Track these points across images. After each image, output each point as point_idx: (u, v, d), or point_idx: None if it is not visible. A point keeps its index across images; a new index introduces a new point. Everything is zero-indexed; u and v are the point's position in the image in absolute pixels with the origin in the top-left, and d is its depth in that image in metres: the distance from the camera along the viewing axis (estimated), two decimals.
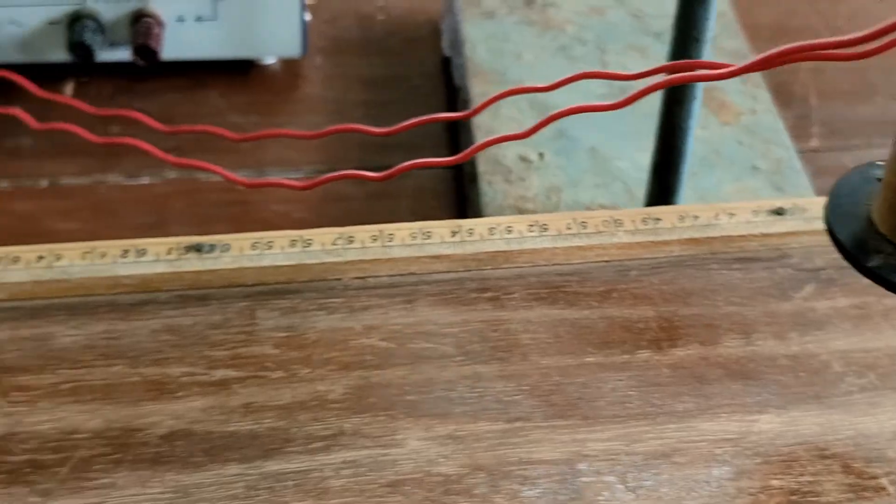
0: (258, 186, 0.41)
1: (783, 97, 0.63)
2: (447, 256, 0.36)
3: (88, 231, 0.48)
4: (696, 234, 0.37)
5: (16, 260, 0.35)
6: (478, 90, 0.57)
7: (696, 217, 0.38)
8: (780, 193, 0.53)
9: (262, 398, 0.32)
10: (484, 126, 0.55)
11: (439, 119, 0.41)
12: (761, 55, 0.28)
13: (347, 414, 0.32)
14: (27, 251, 0.35)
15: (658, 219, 0.37)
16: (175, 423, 0.31)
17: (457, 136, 0.57)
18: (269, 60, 0.59)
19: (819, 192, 0.54)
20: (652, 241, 0.37)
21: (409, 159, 0.58)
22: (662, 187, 0.48)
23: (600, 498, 0.30)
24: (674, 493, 0.30)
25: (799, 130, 0.62)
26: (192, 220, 0.49)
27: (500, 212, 0.48)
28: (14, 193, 0.50)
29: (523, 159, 0.53)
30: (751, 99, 0.59)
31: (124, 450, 0.30)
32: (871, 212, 0.29)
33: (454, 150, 0.55)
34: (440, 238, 0.36)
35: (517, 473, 0.30)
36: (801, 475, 0.31)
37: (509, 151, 0.53)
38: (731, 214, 0.38)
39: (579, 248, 0.37)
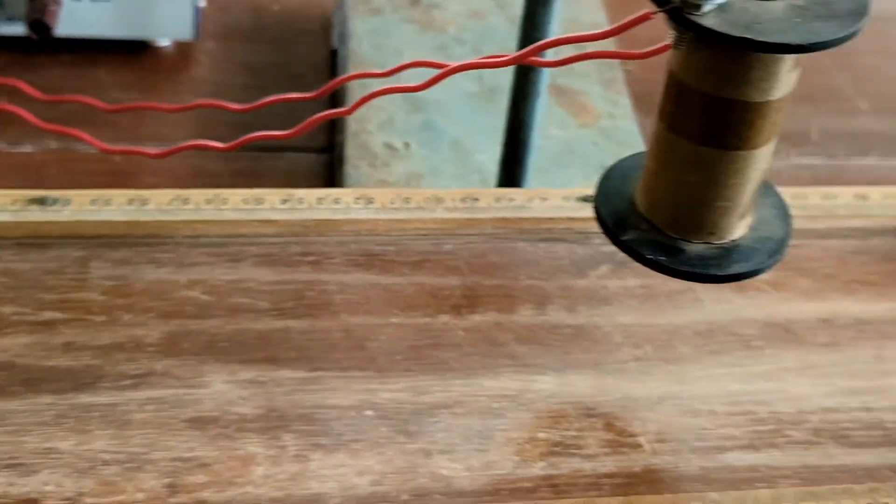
0: (116, 153, 0.43)
1: (647, 105, 0.65)
2: (276, 222, 0.38)
3: None
4: (509, 215, 0.40)
5: None
6: (357, 82, 0.60)
7: (511, 199, 0.40)
8: None
9: (83, 339, 0.34)
10: (358, 115, 0.58)
11: (290, 99, 0.44)
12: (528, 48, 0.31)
13: (160, 357, 0.34)
14: None
15: (476, 199, 0.40)
16: None
17: (332, 122, 0.59)
18: (163, 43, 0.60)
19: None
20: (468, 219, 0.40)
21: (284, 141, 0.61)
22: (510, 179, 0.50)
23: (382, 439, 0.33)
24: (448, 439, 0.33)
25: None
26: (66, 188, 0.51)
27: None
28: None
29: (389, 147, 0.55)
30: (611, 104, 0.62)
31: None
32: (634, 193, 0.32)
33: (329, 136, 0.58)
34: (271, 205, 0.39)
35: (308, 416, 0.33)
36: (567, 430, 0.34)
37: (377, 138, 0.55)
38: (544, 199, 0.41)
39: (400, 221, 0.39)
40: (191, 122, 0.55)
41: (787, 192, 0.40)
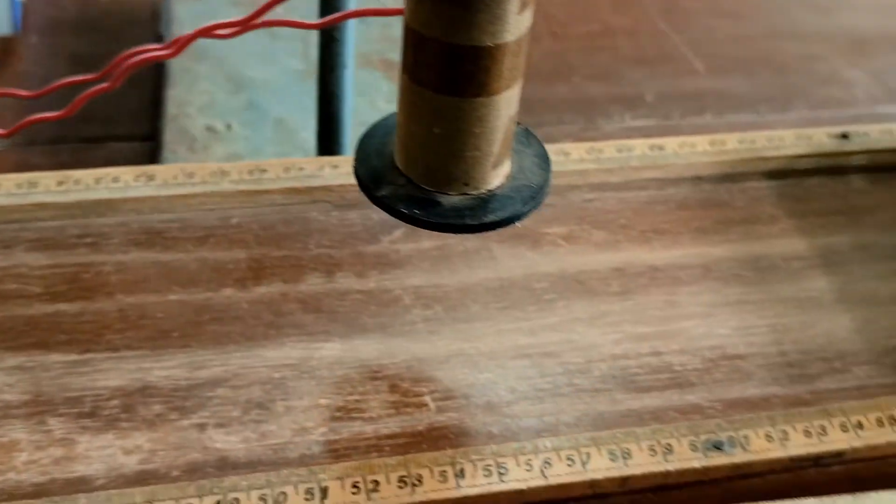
0: None
1: None
2: (51, 205, 0.37)
3: None
4: (298, 184, 0.39)
5: None
6: (178, 65, 0.59)
7: (301, 169, 0.39)
8: None
9: None
10: (178, 98, 0.57)
11: (76, 82, 0.42)
12: None
13: None
14: None
15: (264, 170, 0.39)
16: None
17: (155, 108, 0.58)
18: None
19: None
20: (255, 191, 0.39)
21: (107, 131, 0.59)
22: (327, 152, 0.50)
23: (153, 417, 0.31)
24: (224, 412, 0.32)
25: None
26: None
27: None
28: None
29: (210, 129, 0.54)
30: None
31: None
32: (392, 149, 0.31)
33: (151, 123, 0.56)
34: (45, 188, 0.37)
35: (77, 399, 0.32)
36: (351, 394, 0.33)
37: (197, 121, 0.54)
38: (335, 166, 0.40)
39: (184, 196, 0.38)
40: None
41: (581, 147, 0.40)
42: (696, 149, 0.42)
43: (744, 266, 0.39)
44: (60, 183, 0.38)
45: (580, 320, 0.36)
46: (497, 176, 0.30)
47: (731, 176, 0.42)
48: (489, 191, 0.30)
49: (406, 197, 0.30)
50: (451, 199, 0.30)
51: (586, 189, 0.41)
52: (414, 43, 0.28)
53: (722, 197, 0.41)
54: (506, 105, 0.28)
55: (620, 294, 0.37)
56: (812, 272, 0.39)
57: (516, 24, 0.27)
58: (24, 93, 0.43)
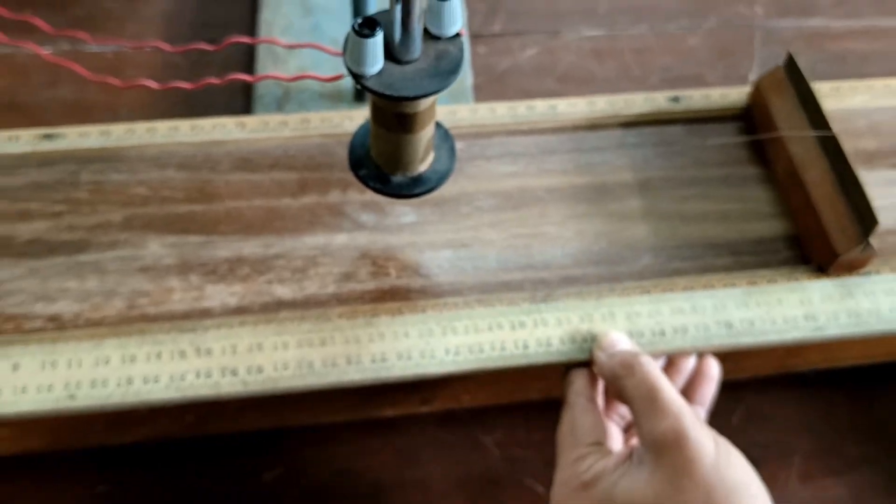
0: None
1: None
2: (187, 143, 0.60)
3: None
4: (329, 131, 0.61)
5: None
6: None
7: (331, 120, 0.61)
8: None
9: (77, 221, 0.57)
10: (267, 20, 0.77)
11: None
12: None
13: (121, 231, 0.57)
14: None
15: (309, 120, 0.61)
16: None
17: (253, 28, 0.79)
18: None
19: (481, 69, 0.76)
20: (303, 135, 0.61)
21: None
22: None
23: (246, 276, 0.56)
24: (280, 275, 0.56)
25: (488, 16, 0.83)
26: None
27: None
28: None
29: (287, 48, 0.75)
30: None
31: None
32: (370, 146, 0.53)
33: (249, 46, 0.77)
34: (184, 131, 0.60)
35: (203, 264, 0.56)
36: (350, 266, 0.56)
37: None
38: (352, 119, 0.62)
39: (263, 139, 0.60)
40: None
41: (503, 105, 0.61)
42: (577, 108, 0.63)
43: (590, 191, 0.60)
44: (192, 128, 0.60)
45: (485, 225, 0.59)
46: (423, 166, 0.52)
47: (596, 127, 0.63)
48: (419, 174, 0.52)
49: (373, 176, 0.52)
50: (398, 179, 0.52)
51: (505, 134, 0.62)
52: (375, 109, 0.49)
53: (589, 143, 0.62)
54: (424, 137, 0.50)
55: (514, 208, 0.60)
56: (632, 195, 0.60)
57: (424, 103, 0.48)
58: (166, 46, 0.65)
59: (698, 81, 0.77)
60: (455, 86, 0.74)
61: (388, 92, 0.45)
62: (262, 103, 0.72)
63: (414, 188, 0.52)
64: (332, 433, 0.60)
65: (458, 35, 0.47)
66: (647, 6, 0.84)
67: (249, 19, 0.79)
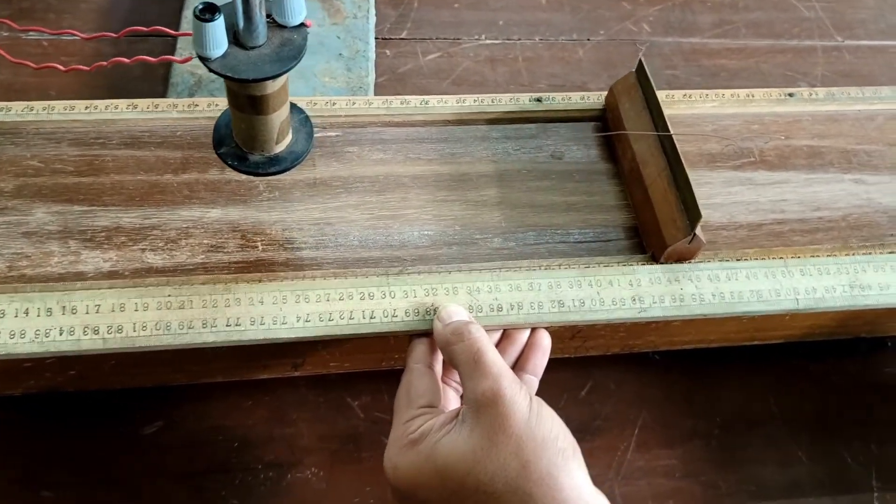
0: None
1: (394, 2, 0.85)
2: (80, 121, 0.62)
3: None
4: (212, 114, 0.63)
5: None
6: None
7: (217, 105, 0.63)
8: (350, 73, 0.78)
9: None
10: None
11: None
12: None
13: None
14: None
15: (197, 105, 0.63)
16: None
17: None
18: None
19: (384, 70, 0.78)
20: (189, 117, 0.63)
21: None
22: None
23: (122, 245, 0.57)
24: (153, 244, 0.58)
25: (397, 23, 0.85)
26: None
27: None
28: None
29: None
30: (357, 7, 0.83)
31: None
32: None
33: None
34: (78, 109, 0.62)
35: (83, 231, 0.58)
36: (220, 238, 0.58)
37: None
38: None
39: (152, 119, 0.62)
40: None
41: (379, 99, 0.63)
42: (447, 104, 0.65)
43: (451, 179, 0.62)
44: (87, 107, 0.62)
45: (351, 206, 0.61)
46: (279, 146, 0.54)
47: (464, 122, 0.65)
48: (275, 154, 0.54)
49: (233, 154, 0.54)
50: (255, 158, 0.54)
51: (379, 125, 0.64)
52: (229, 90, 0.51)
53: (455, 136, 0.64)
54: (277, 118, 0.52)
55: (378, 192, 0.62)
56: (490, 185, 0.62)
57: (273, 85, 0.50)
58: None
59: (582, 89, 0.79)
60: (356, 82, 0.76)
61: (229, 73, 0.47)
62: (176, 91, 0.74)
63: (269, 167, 0.54)
64: (210, 392, 0.61)
65: (303, 25, 0.49)
66: (543, 21, 0.86)
67: (179, 15, 0.80)
